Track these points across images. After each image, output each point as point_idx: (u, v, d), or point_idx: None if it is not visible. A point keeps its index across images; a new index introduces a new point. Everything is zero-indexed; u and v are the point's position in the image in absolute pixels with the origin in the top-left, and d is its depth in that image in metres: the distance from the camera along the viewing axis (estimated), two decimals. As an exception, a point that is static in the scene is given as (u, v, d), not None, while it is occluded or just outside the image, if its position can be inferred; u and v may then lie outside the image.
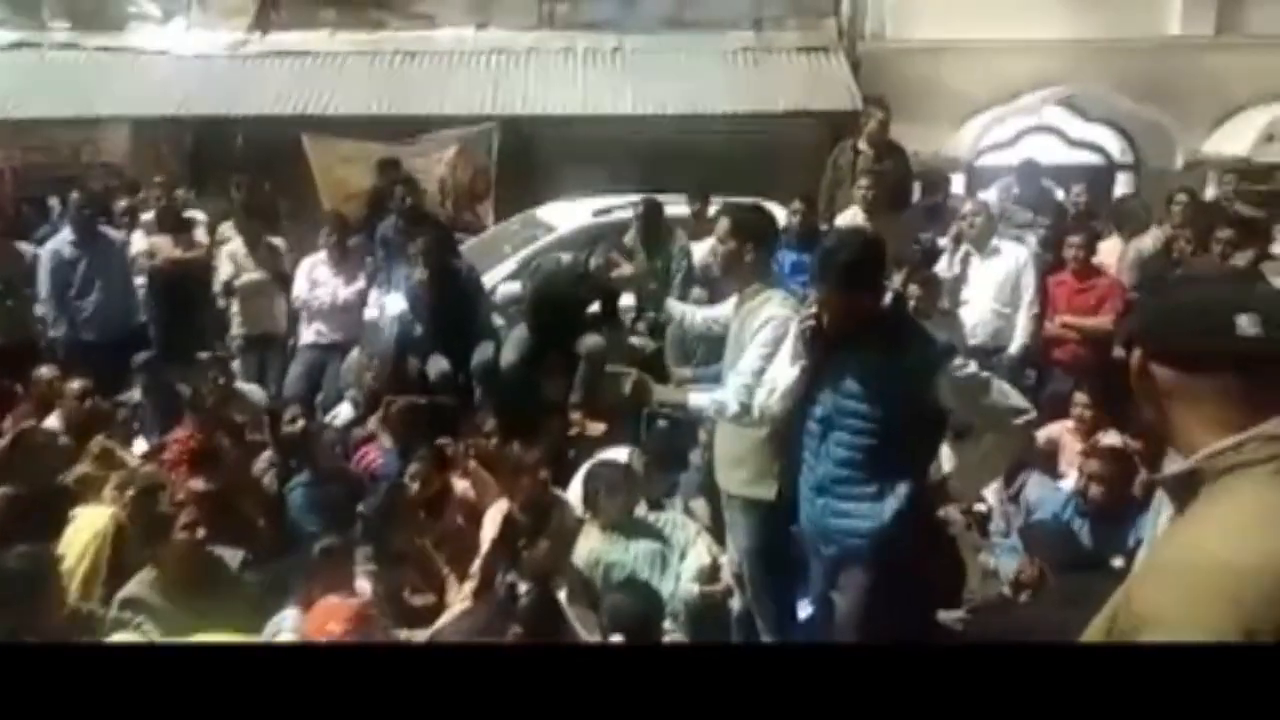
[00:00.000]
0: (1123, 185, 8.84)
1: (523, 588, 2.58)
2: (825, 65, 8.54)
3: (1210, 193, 7.22)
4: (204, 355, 5.39)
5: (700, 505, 3.94)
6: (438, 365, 5.06)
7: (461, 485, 3.52)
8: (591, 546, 3.35)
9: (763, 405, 2.82)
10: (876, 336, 2.60)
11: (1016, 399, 2.68)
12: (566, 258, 5.73)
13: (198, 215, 6.64)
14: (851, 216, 5.90)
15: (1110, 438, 3.73)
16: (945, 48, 8.34)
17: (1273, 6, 8.20)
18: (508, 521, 3.16)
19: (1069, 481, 3.81)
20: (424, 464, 3.48)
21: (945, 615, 3.15)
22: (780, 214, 6.13)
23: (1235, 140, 8.13)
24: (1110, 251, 5.88)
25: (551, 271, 5.47)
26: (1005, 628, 2.81)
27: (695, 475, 3.93)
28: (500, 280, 5.91)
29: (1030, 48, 8.28)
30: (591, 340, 5.12)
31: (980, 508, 3.89)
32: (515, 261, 6.09)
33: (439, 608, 3.11)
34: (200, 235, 6.43)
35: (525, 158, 8.26)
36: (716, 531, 3.53)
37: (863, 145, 6.10)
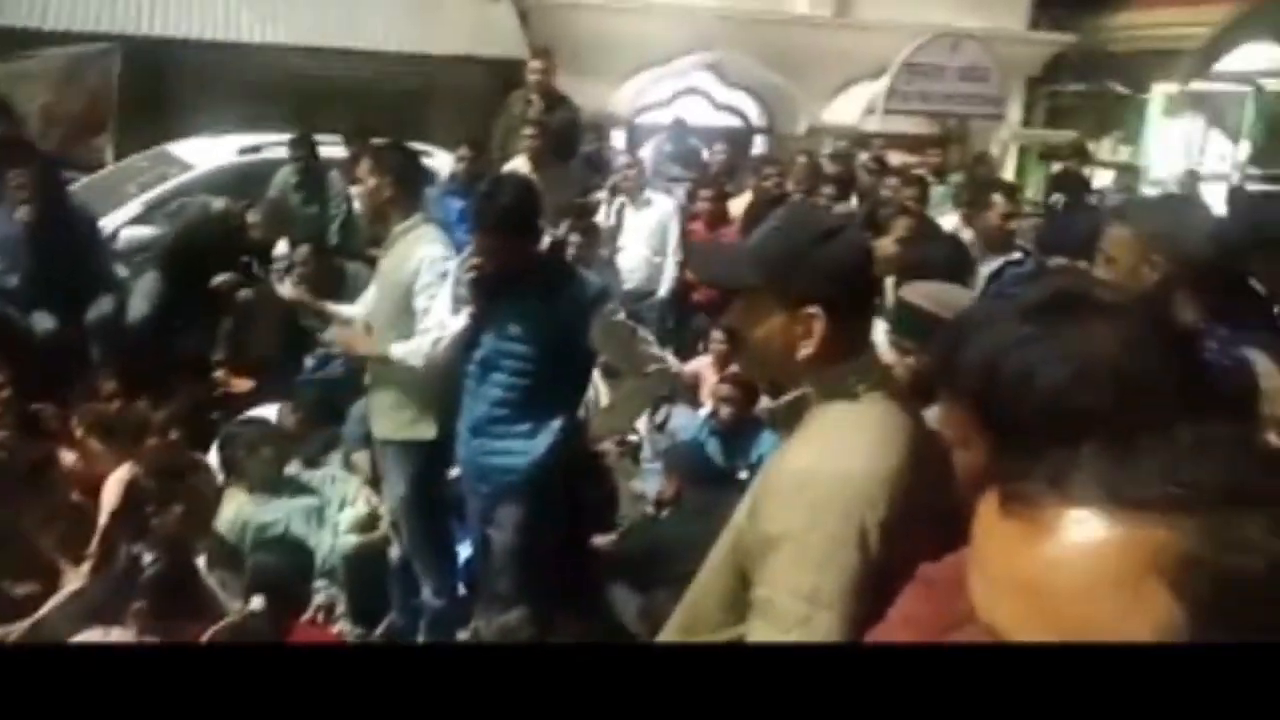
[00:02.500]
0: (759, 146, 9.82)
1: (148, 558, 2.33)
2: (493, 12, 8.46)
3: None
4: None
5: (363, 457, 3.82)
6: (43, 321, 4.37)
7: (70, 457, 3.09)
8: (238, 509, 3.13)
9: (430, 354, 2.80)
10: (535, 281, 2.67)
11: (655, 349, 2.90)
12: (218, 203, 5.22)
13: None
14: (518, 165, 5.97)
15: (739, 366, 4.18)
16: (608, 6, 8.65)
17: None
18: (131, 489, 2.84)
19: (708, 409, 4.23)
20: (11, 434, 2.99)
21: (598, 540, 3.36)
22: (447, 159, 6.06)
23: (846, 111, 9.35)
24: (741, 205, 6.52)
25: (197, 217, 4.95)
26: (648, 545, 3.07)
27: (356, 427, 3.80)
28: (123, 224, 5.21)
29: (682, 14, 8.83)
30: (242, 292, 4.74)
31: (633, 438, 4.19)
32: (141, 203, 5.39)
33: (47, 596, 2.72)
34: None
35: (154, 86, 7.27)
36: (378, 483, 3.46)
37: (532, 95, 6.18)
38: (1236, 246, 1.80)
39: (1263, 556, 0.47)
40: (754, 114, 9.98)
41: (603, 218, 5.78)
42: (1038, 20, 10.03)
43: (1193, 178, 7.78)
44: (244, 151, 5.78)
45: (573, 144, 6.25)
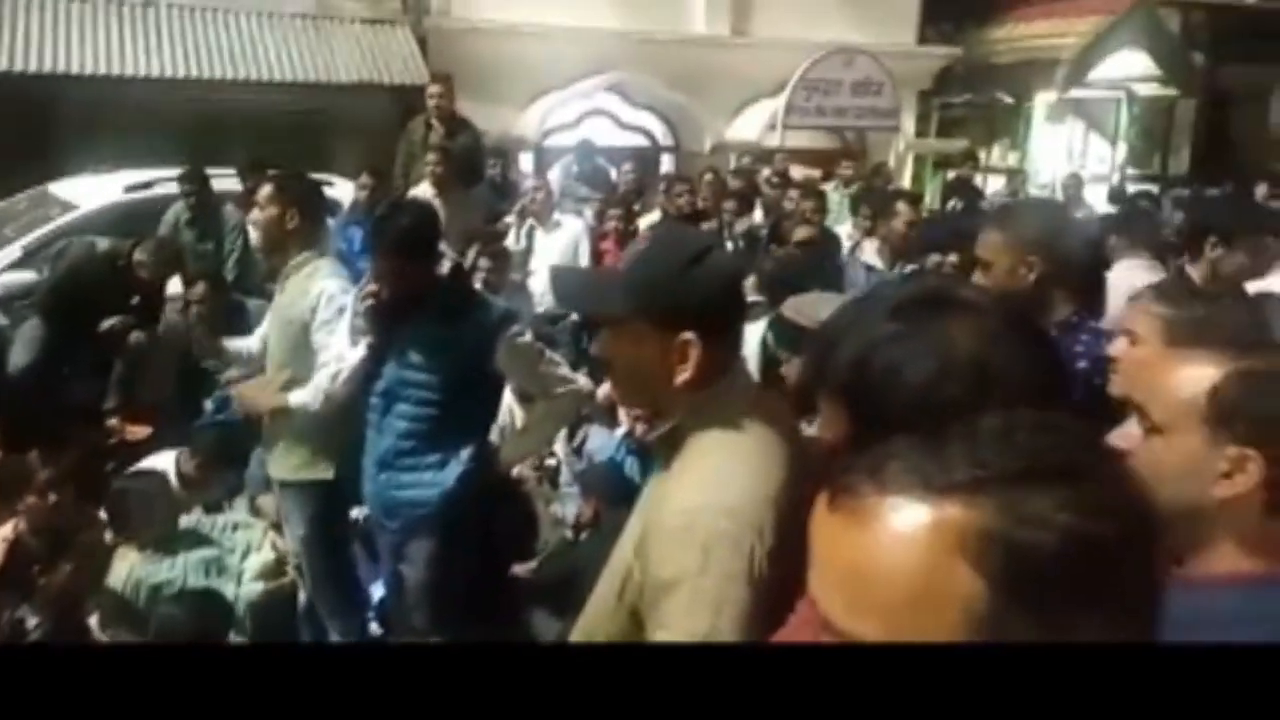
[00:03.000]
0: (666, 165, 9.93)
1: (33, 621, 2.20)
2: (390, 38, 8.36)
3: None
4: None
5: (269, 501, 3.69)
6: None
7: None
8: (129, 567, 2.97)
9: (330, 390, 2.72)
10: (435, 306, 2.62)
11: (565, 370, 2.88)
12: (103, 243, 5.00)
13: None
14: (421, 192, 5.90)
15: (613, 394, 4.18)
16: (507, 30, 8.64)
17: (772, 12, 9.68)
18: (14, 547, 2.67)
19: (625, 428, 4.22)
20: None
21: (519, 568, 3.32)
22: (348, 189, 5.94)
23: (749, 127, 9.54)
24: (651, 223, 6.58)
25: (82, 257, 4.72)
26: (566, 569, 3.04)
27: (260, 470, 3.67)
28: (2, 269, 4.94)
29: (582, 36, 8.89)
30: (133, 335, 4.55)
31: (551, 462, 4.15)
32: (21, 247, 5.12)
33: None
34: None
35: (30, 123, 6.93)
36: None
37: (434, 121, 6.12)
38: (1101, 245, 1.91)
39: (1053, 530, 0.49)
40: (660, 133, 10.09)
41: (512, 241, 5.75)
42: (926, 34, 10.44)
43: (1076, 180, 8.19)
44: (131, 189, 5.55)
45: (477, 168, 6.22)
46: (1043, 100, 10.55)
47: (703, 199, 6.50)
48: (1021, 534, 0.49)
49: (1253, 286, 2.63)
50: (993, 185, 10.06)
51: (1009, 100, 10.87)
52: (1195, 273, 2.66)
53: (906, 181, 10.40)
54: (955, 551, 0.50)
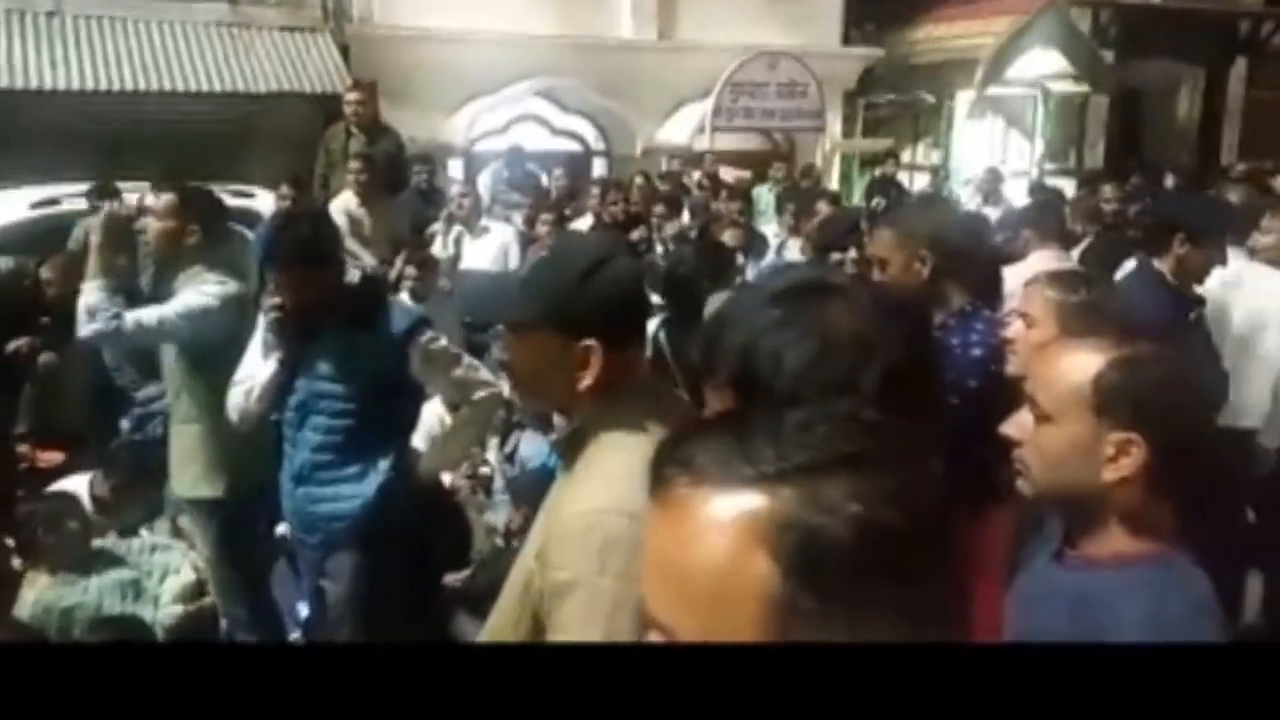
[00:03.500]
0: (599, 169, 9.93)
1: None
2: (311, 46, 8.21)
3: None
4: None
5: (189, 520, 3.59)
6: None
7: None
8: (38, 594, 2.86)
9: (245, 409, 2.65)
10: (343, 316, 2.57)
11: (484, 374, 2.85)
12: (5, 261, 4.80)
13: None
14: (344, 200, 5.80)
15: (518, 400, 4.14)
16: (431, 36, 8.55)
17: (698, 16, 9.76)
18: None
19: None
20: None
21: (451, 577, 3.27)
22: (269, 199, 5.80)
23: (679, 131, 9.60)
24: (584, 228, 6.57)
25: (-17, 277, 4.53)
26: (499, 578, 3.00)
27: (178, 489, 3.57)
28: (-103, 292, 4.70)
29: (510, 41, 8.85)
30: (43, 356, 4.38)
31: (485, 470, 4.11)
32: (-81, 268, 4.88)
33: None
34: None
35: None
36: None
37: (354, 129, 6.02)
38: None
39: (844, 520, 0.49)
40: (592, 137, 10.09)
41: (440, 248, 5.68)
42: (850, 36, 10.64)
43: (993, 175, 8.42)
44: (37, 205, 5.35)
45: (400, 175, 6.14)
46: (963, 99, 10.82)
47: (633, 204, 6.52)
48: (815, 523, 0.50)
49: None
50: (920, 183, 10.29)
51: (930, 99, 11.13)
52: (1163, 267, 2.70)
53: (835, 181, 10.59)
54: (757, 543, 0.50)
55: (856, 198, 9.71)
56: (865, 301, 0.97)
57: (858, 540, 0.49)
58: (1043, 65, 10.40)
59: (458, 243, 5.69)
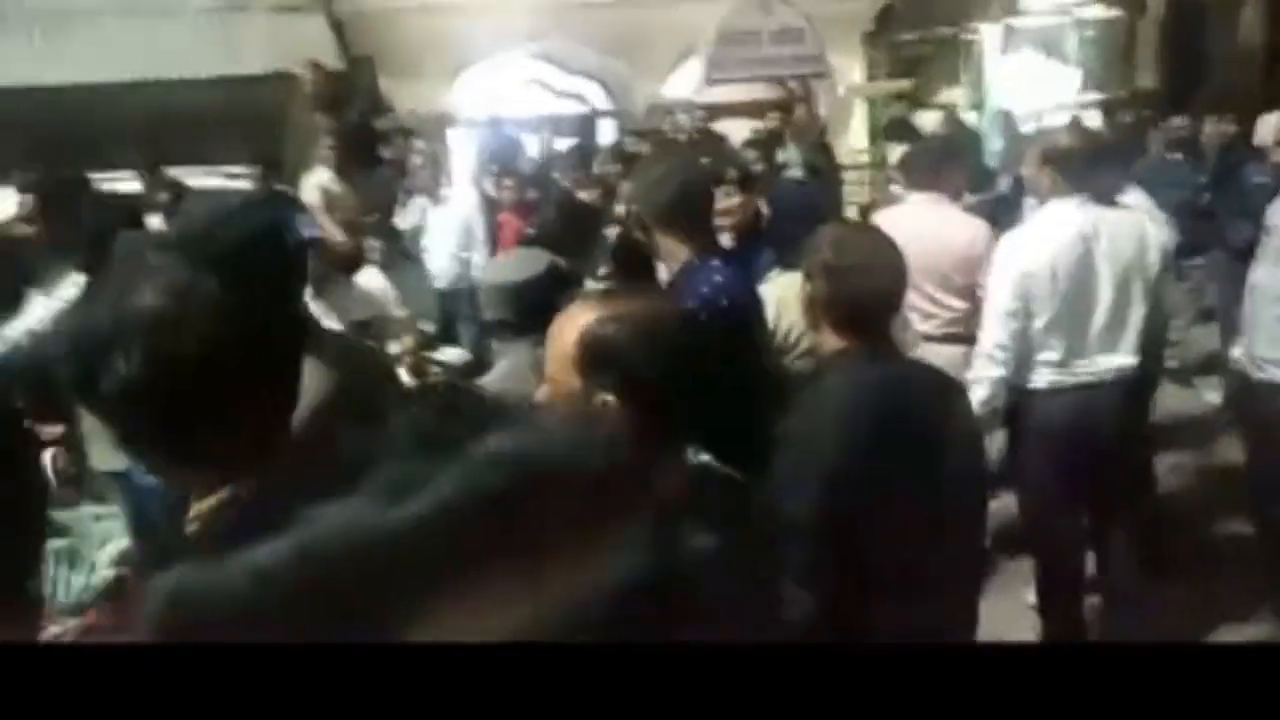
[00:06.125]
0: (607, 129, 9.84)
1: None
2: (303, 26, 8.30)
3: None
4: None
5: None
6: None
7: None
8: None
9: None
10: None
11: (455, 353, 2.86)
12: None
13: None
14: (320, 177, 5.94)
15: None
16: (426, 8, 8.57)
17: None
18: None
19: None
20: None
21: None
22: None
23: (684, 85, 9.41)
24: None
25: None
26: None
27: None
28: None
29: (505, 6, 8.80)
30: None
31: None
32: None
33: None
34: None
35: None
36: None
37: (319, 106, 6.15)
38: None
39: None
40: (596, 98, 10.01)
41: (402, 219, 5.78)
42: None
43: (1005, 117, 7.99)
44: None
45: (370, 147, 6.23)
46: (989, 32, 10.27)
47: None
48: None
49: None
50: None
51: (950, 33, 10.60)
52: None
53: (857, 125, 10.25)
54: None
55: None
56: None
57: None
58: (1068, -11, 9.76)
59: (422, 212, 5.77)
